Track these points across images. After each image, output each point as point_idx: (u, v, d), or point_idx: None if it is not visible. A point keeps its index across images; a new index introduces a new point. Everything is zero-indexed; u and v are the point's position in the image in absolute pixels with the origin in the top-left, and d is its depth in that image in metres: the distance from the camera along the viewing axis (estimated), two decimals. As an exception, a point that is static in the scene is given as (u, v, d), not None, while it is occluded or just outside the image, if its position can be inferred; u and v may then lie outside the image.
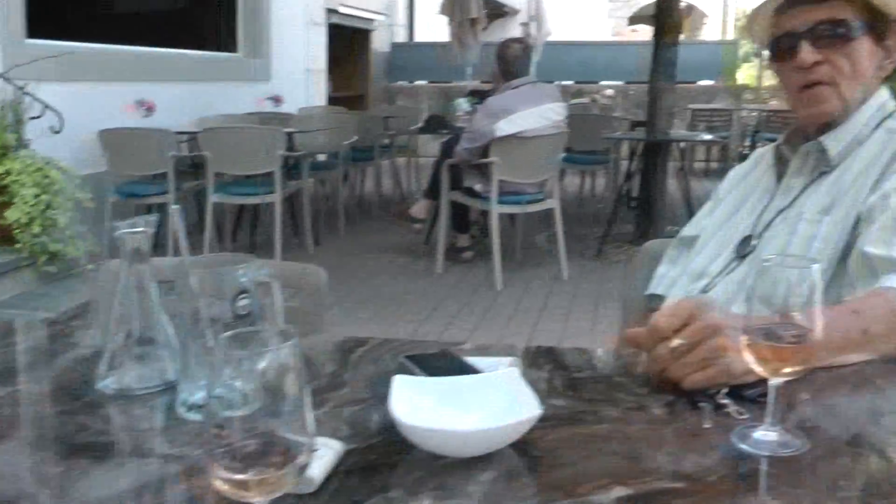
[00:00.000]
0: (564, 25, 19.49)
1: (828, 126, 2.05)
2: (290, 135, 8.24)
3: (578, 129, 9.68)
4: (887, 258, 1.76)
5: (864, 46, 2.01)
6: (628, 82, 17.40)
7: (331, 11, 15.17)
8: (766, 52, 2.17)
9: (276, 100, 11.26)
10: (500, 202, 7.11)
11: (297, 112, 10.87)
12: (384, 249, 8.44)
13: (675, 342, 1.40)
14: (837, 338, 1.55)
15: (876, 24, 2.02)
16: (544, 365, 1.54)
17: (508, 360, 1.44)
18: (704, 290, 2.06)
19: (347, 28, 16.71)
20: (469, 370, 1.39)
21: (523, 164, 7.13)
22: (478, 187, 7.26)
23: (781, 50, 2.06)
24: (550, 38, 16.13)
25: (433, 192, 7.77)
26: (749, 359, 1.24)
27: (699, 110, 13.91)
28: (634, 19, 24.51)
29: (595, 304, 6.59)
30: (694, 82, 17.02)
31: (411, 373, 1.39)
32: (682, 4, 25.06)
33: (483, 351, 1.59)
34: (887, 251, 1.77)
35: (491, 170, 7.01)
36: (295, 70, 13.34)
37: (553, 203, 7.40)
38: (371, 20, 17.85)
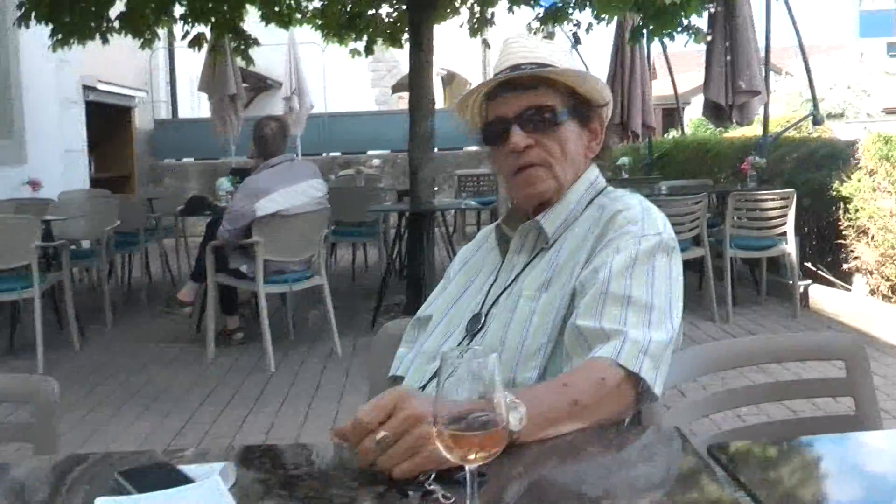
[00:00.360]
0: (329, 97, 19.66)
1: (544, 205, 2.17)
2: (48, 223, 7.98)
3: (345, 201, 9.79)
4: (597, 330, 1.86)
5: (571, 130, 2.15)
6: (394, 151, 17.68)
7: (88, 88, 14.85)
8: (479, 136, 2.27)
9: (34, 185, 10.79)
10: (267, 282, 7.08)
11: (58, 197, 10.49)
12: (154, 339, 8.22)
13: (380, 434, 1.44)
14: (548, 411, 1.65)
15: (580, 109, 2.17)
16: (262, 465, 1.56)
17: (221, 465, 1.45)
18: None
19: (107, 105, 16.39)
20: (182, 481, 1.39)
21: (287, 243, 7.14)
22: (244, 268, 7.20)
23: (494, 134, 2.16)
24: (315, 111, 16.27)
25: (200, 274, 7.63)
26: (439, 447, 1.30)
27: (465, 176, 14.17)
28: (397, 87, 24.92)
29: (369, 382, 6.60)
30: (460, 148, 17.39)
31: (124, 490, 1.38)
32: (443, 72, 25.61)
33: (202, 456, 1.59)
34: (596, 323, 1.87)
35: (255, 250, 6.99)
36: (53, 152, 12.94)
37: (321, 280, 7.41)
38: (132, 97, 17.56)
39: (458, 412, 1.28)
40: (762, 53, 10.18)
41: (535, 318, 2.00)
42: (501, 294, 2.11)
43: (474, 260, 2.34)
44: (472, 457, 1.28)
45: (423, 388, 2.05)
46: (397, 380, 2.23)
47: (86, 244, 9.96)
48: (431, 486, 1.40)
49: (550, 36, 10.91)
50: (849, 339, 2.30)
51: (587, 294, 1.94)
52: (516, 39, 2.21)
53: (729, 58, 9.81)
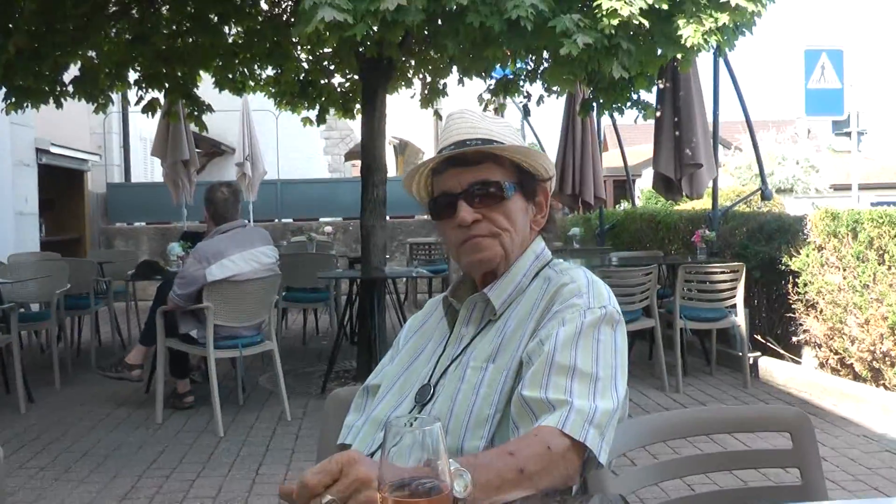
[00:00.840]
0: (282, 163, 19.73)
1: (491, 276, 2.19)
2: (-4, 286, 7.92)
3: (297, 267, 9.80)
4: (542, 400, 1.88)
5: (517, 204, 2.19)
6: (346, 218, 17.79)
7: (41, 151, 14.77)
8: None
9: (-17, 248, 10.72)
10: (217, 347, 7.05)
11: (7, 260, 10.39)
12: (103, 401, 8.13)
13: (326, 499, 1.44)
14: (493, 478, 1.66)
15: (526, 184, 2.20)
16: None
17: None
18: (388, 439, 2.11)
19: (60, 168, 16.34)
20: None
21: (238, 308, 7.13)
22: (194, 333, 7.16)
23: (441, 209, 2.19)
24: (268, 177, 16.29)
25: (150, 337, 7.58)
26: (384, 512, 1.30)
27: (417, 244, 14.22)
28: (350, 155, 25.07)
29: (318, 448, 6.55)
30: (412, 216, 17.50)
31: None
32: (396, 141, 25.81)
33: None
34: (542, 393, 1.89)
35: (205, 315, 6.96)
36: (3, 214, 12.85)
37: (271, 344, 7.40)
38: (84, 160, 17.50)
39: (403, 478, 1.29)
40: (711, 128, 10.34)
41: (482, 389, 2.01)
42: (450, 365, 2.13)
43: (423, 329, 2.36)
44: (415, 522, 1.29)
45: (371, 455, 2.05)
46: (345, 448, 2.22)
47: (35, 306, 9.87)
48: (376, 552, 1.40)
49: (501, 107, 11.02)
50: (794, 411, 2.33)
51: (533, 365, 1.96)
52: (461, 115, 2.24)
53: (678, 133, 9.94)
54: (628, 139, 16.04)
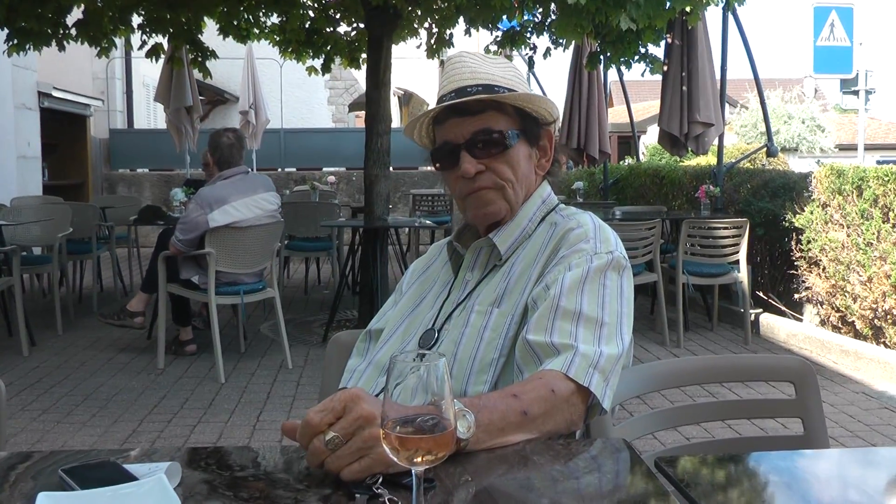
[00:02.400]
0: (286, 112, 19.65)
1: (496, 225, 2.17)
2: (-1, 228, 7.91)
3: (299, 216, 9.77)
4: (546, 344, 1.87)
5: (521, 151, 2.16)
6: (349, 168, 17.74)
7: (43, 95, 14.70)
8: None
9: (-14, 190, 10.69)
10: (219, 293, 7.03)
11: (10, 203, 10.37)
12: (104, 346, 8.15)
13: (329, 435, 1.44)
14: (497, 420, 1.65)
15: (529, 129, 2.17)
16: (208, 466, 1.54)
17: (166, 465, 1.44)
18: (391, 383, 2.10)
19: (63, 113, 16.27)
20: (126, 479, 1.38)
21: (240, 254, 7.11)
22: (195, 279, 7.15)
23: (444, 158, 2.16)
24: (271, 126, 16.23)
25: (151, 284, 7.57)
26: (386, 449, 1.29)
27: (420, 195, 14.18)
28: (354, 106, 24.99)
29: (319, 391, 6.57)
30: (416, 168, 17.45)
31: (67, 486, 1.36)
32: (401, 92, 25.63)
33: (148, 456, 1.57)
34: (547, 338, 1.88)
35: (207, 261, 6.95)
36: (6, 157, 12.81)
37: (273, 292, 7.38)
38: (87, 105, 17.40)
39: (407, 415, 1.28)
40: (718, 85, 10.26)
41: (486, 333, 2.01)
42: (454, 310, 2.12)
43: (427, 274, 2.35)
44: (418, 459, 1.28)
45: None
46: (347, 391, 2.22)
47: (37, 250, 9.85)
48: (379, 490, 1.39)
49: (508, 59, 10.93)
50: (799, 361, 2.31)
51: (538, 309, 1.95)
52: (460, 59, 2.19)
53: (685, 88, 9.87)
54: (634, 96, 15.92)
